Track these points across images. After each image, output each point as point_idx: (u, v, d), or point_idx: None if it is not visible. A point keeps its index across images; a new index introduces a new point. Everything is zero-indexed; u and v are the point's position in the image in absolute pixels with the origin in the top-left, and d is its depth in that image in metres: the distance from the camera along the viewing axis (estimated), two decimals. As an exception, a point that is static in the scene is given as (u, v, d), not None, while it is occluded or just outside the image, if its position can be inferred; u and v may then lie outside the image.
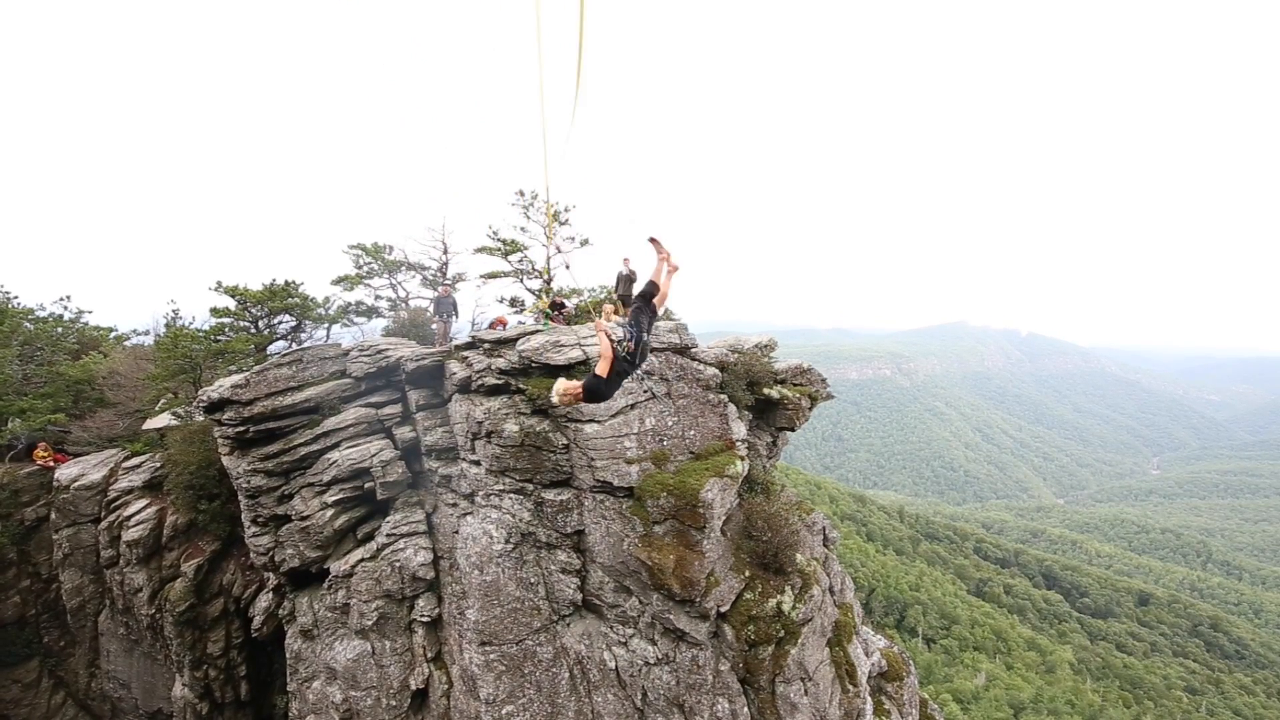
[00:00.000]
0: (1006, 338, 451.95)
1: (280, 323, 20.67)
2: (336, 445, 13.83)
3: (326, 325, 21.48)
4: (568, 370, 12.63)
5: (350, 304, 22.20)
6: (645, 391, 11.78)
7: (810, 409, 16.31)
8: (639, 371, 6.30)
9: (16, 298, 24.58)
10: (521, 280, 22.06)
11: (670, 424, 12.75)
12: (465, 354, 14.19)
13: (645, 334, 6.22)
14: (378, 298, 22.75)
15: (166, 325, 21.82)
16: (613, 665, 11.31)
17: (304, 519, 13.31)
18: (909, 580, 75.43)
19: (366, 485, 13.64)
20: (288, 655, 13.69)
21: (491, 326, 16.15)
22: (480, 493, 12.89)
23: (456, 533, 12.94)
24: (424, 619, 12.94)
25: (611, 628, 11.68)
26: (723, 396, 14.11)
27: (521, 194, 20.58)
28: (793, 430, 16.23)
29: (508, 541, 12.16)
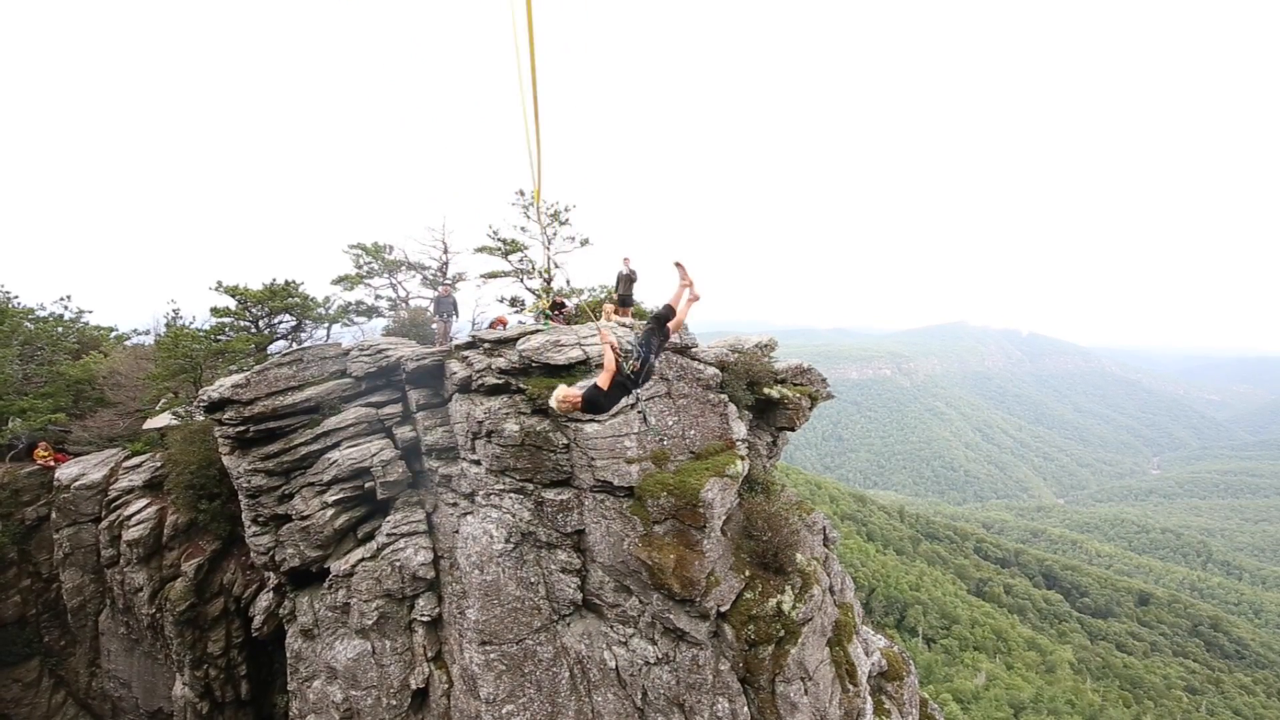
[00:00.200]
0: (1007, 337, 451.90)
1: (280, 322, 20.68)
2: (337, 445, 13.83)
3: (327, 325, 21.49)
4: (568, 370, 12.64)
5: (350, 304, 22.21)
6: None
7: (810, 409, 16.31)
8: (640, 391, 6.30)
9: (17, 297, 24.60)
10: (521, 280, 22.08)
11: (670, 423, 12.76)
12: (465, 354, 14.19)
13: (654, 356, 6.22)
14: (378, 297, 22.77)
15: (167, 325, 21.83)
16: (613, 665, 11.31)
17: (304, 518, 13.31)
18: (909, 580, 75.46)
19: (367, 485, 13.65)
20: (288, 654, 13.70)
21: (492, 326, 16.16)
22: (480, 492, 12.89)
23: (457, 532, 12.95)
24: (424, 618, 12.94)
25: (612, 627, 11.69)
26: (723, 396, 14.11)
27: (521, 194, 20.59)
28: (793, 430, 16.22)
29: (508, 541, 12.17)
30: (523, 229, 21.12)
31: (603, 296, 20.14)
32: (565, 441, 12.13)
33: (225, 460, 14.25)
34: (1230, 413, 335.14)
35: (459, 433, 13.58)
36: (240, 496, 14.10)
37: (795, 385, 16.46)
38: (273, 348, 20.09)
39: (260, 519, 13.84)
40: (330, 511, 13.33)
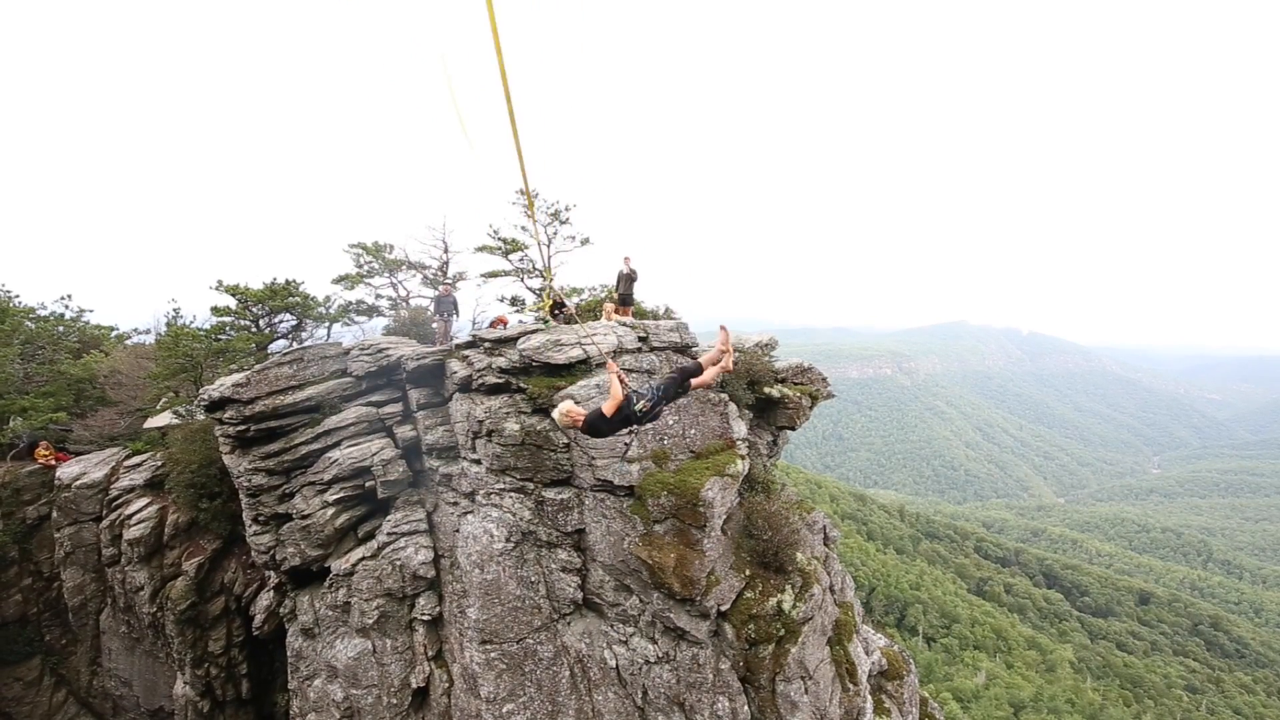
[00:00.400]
0: (1007, 336, 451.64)
1: (281, 321, 20.68)
2: (337, 444, 13.84)
3: (327, 324, 21.49)
4: (568, 369, 12.63)
5: (351, 303, 22.21)
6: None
7: (811, 408, 16.30)
8: (642, 427, 6.44)
9: (18, 297, 24.64)
10: (522, 279, 22.08)
11: (671, 423, 12.75)
12: (466, 353, 14.18)
13: (663, 405, 6.40)
14: (378, 297, 22.76)
15: (167, 324, 21.86)
16: (613, 664, 11.32)
17: (305, 517, 13.32)
18: (909, 579, 75.48)
19: (367, 484, 13.66)
20: (289, 653, 13.72)
21: (492, 325, 16.15)
22: (481, 491, 12.90)
23: (457, 531, 12.96)
24: (425, 617, 12.95)
25: (612, 626, 11.69)
26: (723, 395, 14.11)
27: (522, 193, 20.58)
28: (793, 429, 16.22)
29: (508, 540, 12.17)
30: (523, 228, 21.12)
31: (603, 295, 20.13)
32: (565, 441, 12.12)
33: (226, 459, 14.26)
34: (1231, 412, 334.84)
35: (459, 432, 13.58)
36: (241, 495, 14.11)
37: (796, 384, 16.46)
38: (273, 347, 20.10)
39: (261, 518, 13.85)
40: (331, 510, 13.34)
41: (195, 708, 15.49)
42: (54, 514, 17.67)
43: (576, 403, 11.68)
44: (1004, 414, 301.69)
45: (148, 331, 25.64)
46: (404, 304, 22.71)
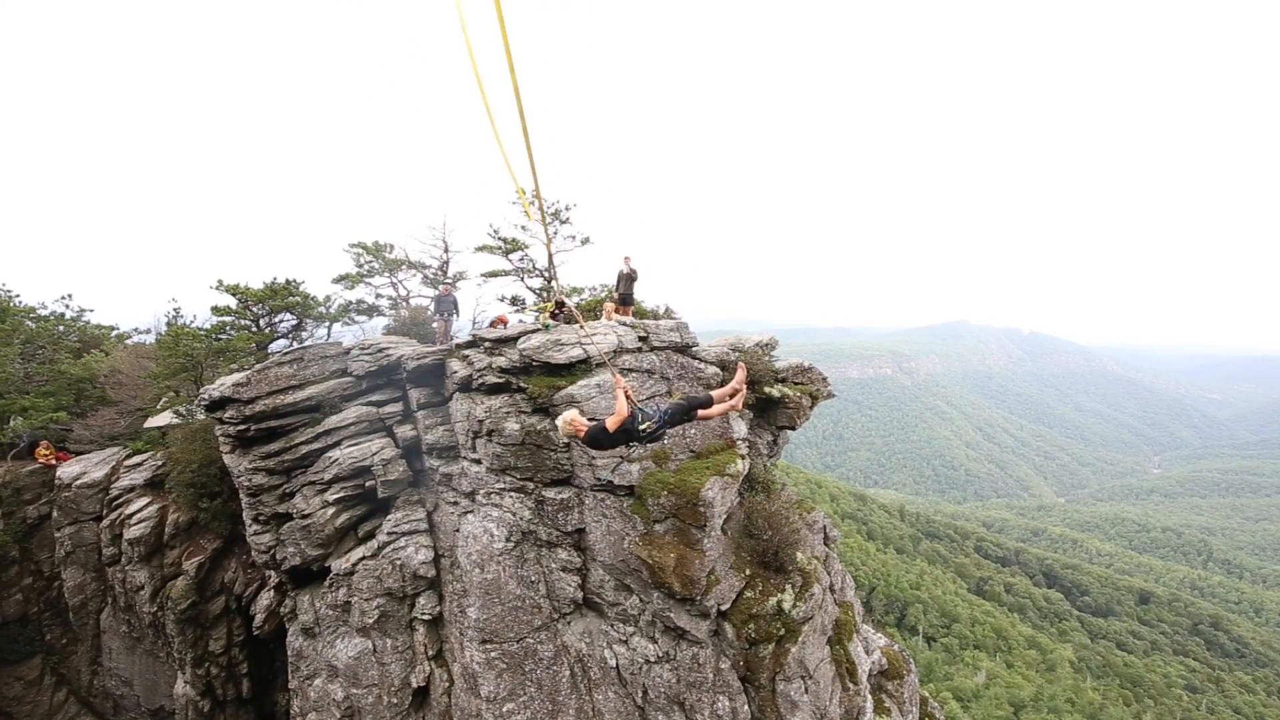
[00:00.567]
0: (1008, 336, 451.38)
1: (281, 321, 20.69)
2: (338, 444, 13.84)
3: (327, 324, 21.49)
4: (568, 369, 12.63)
5: (351, 302, 22.21)
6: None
7: (811, 408, 16.30)
8: (642, 447, 6.49)
9: (18, 296, 24.67)
10: (522, 279, 22.07)
11: (671, 422, 12.75)
12: (466, 352, 14.18)
13: (666, 429, 6.45)
14: (378, 296, 22.76)
15: (168, 323, 21.87)
16: (613, 663, 11.32)
17: (305, 517, 13.33)
18: (909, 579, 75.48)
19: (367, 483, 13.66)
20: (289, 653, 13.73)
21: (492, 325, 16.15)
22: (481, 491, 12.90)
23: (457, 531, 12.96)
24: (425, 617, 12.96)
25: (612, 626, 11.70)
26: (723, 395, 14.10)
27: (522, 192, 20.55)
28: (793, 429, 16.22)
29: (508, 540, 12.18)
30: (523, 228, 21.12)
31: (603, 295, 20.13)
32: (565, 440, 12.12)
33: (226, 459, 14.26)
34: (1232, 412, 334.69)
35: (459, 431, 13.58)
36: (241, 495, 14.12)
37: (796, 384, 16.46)
38: (273, 346, 20.10)
39: (261, 517, 13.86)
40: (331, 510, 13.35)
41: (196, 707, 15.50)
42: (54, 513, 17.69)
43: (577, 402, 11.72)
44: (1004, 414, 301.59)
45: (148, 331, 25.65)
46: (404, 303, 22.71)
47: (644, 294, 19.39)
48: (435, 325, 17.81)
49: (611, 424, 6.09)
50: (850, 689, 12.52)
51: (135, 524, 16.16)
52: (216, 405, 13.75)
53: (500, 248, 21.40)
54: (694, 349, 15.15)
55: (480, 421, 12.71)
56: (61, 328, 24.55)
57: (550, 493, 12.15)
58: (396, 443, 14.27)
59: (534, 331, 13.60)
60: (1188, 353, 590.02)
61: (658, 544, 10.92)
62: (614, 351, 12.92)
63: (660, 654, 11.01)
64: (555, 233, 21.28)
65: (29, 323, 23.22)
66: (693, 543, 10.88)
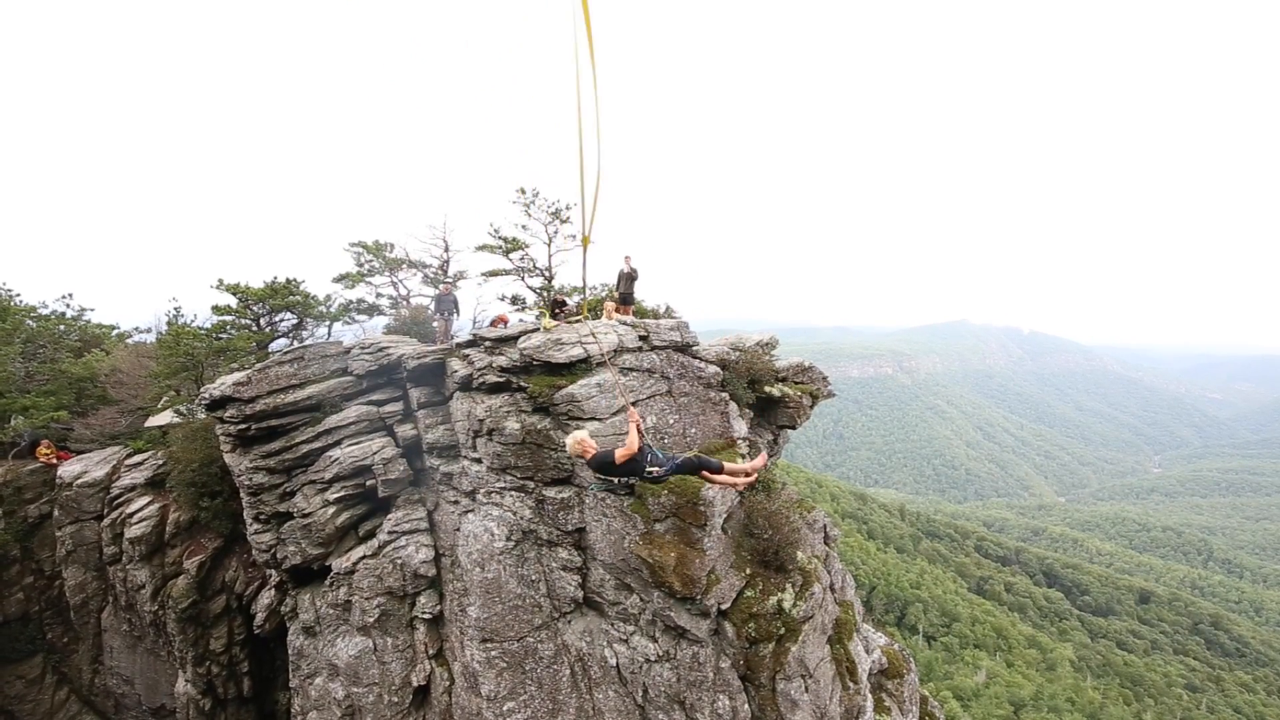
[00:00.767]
0: (1008, 335, 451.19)
1: (282, 320, 20.71)
2: (338, 443, 13.85)
3: (328, 323, 21.51)
4: (568, 368, 12.63)
5: (351, 302, 22.22)
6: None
7: (811, 407, 16.30)
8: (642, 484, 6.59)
9: (19, 295, 24.67)
10: (523, 278, 22.07)
11: (672, 421, 12.76)
12: (466, 352, 14.19)
13: (671, 476, 6.59)
14: (379, 295, 22.77)
15: (168, 323, 21.87)
16: (614, 662, 11.33)
17: (306, 516, 13.34)
18: (910, 578, 75.52)
19: (368, 483, 13.67)
20: (290, 652, 13.75)
21: (492, 324, 16.15)
22: (481, 490, 12.91)
23: (458, 530, 12.97)
24: (425, 616, 12.97)
25: (612, 625, 11.71)
26: (724, 394, 14.11)
27: (523, 191, 20.57)
28: (794, 428, 16.22)
29: (509, 539, 12.19)
30: (524, 227, 21.10)
31: (604, 295, 20.13)
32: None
33: (227, 458, 14.28)
34: (1232, 411, 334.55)
35: (460, 431, 13.59)
36: (242, 494, 14.13)
37: (796, 383, 16.46)
38: (274, 345, 20.12)
39: (262, 516, 13.87)
40: (332, 509, 13.36)
41: (197, 706, 15.53)
42: (55, 512, 17.71)
43: (577, 401, 11.72)
44: (1005, 413, 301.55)
45: (149, 330, 25.68)
46: (404, 303, 22.72)
47: (644, 293, 19.39)
48: (435, 324, 17.81)
49: (620, 456, 6.15)
50: (850, 688, 12.53)
51: (136, 523, 16.19)
52: (217, 404, 13.76)
53: (501, 247, 21.39)
54: (694, 348, 15.15)
55: (481, 420, 12.72)
56: (62, 327, 24.56)
57: (550, 492, 12.16)
58: (397, 442, 14.28)
59: (534, 331, 13.60)
60: (1188, 352, 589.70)
61: (658, 543, 10.93)
62: (614, 351, 12.92)
63: (660, 653, 11.02)
64: (555, 232, 21.27)
65: (30, 322, 23.23)
66: (693, 542, 10.89)
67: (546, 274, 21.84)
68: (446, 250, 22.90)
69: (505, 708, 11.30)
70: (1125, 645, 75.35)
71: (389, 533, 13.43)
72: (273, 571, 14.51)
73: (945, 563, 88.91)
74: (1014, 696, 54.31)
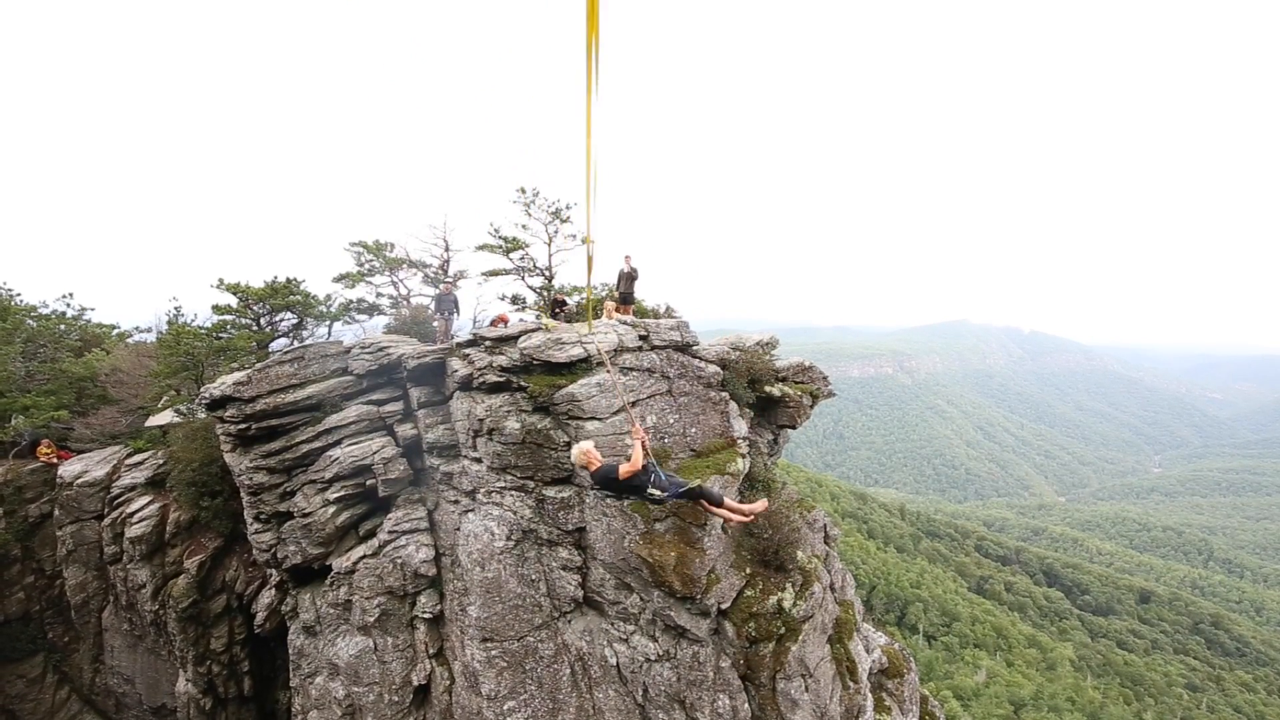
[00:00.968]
0: (1009, 335, 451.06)
1: (282, 320, 20.71)
2: (338, 442, 13.86)
3: (328, 322, 21.51)
4: (569, 368, 12.63)
5: (352, 301, 22.22)
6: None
7: (811, 407, 16.30)
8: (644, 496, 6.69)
9: (19, 295, 24.70)
10: (523, 278, 22.07)
11: (672, 421, 12.76)
12: (466, 351, 14.18)
13: (671, 501, 6.65)
14: (379, 295, 22.76)
15: (169, 322, 21.88)
16: (614, 662, 11.34)
17: (306, 516, 13.35)
18: (910, 577, 75.51)
19: (368, 482, 13.68)
20: (290, 651, 13.76)
21: (493, 324, 16.16)
22: (481, 490, 12.91)
23: (458, 529, 12.97)
24: (426, 615, 12.98)
25: (613, 624, 11.71)
26: (724, 394, 14.10)
27: (523, 191, 20.57)
28: (794, 428, 16.22)
29: (509, 538, 12.19)
30: (524, 226, 21.10)
31: (604, 294, 20.13)
32: (566, 439, 12.12)
33: (227, 457, 14.29)
34: (1232, 411, 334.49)
35: (460, 430, 13.59)
36: (242, 494, 14.14)
37: (796, 383, 16.46)
38: (274, 345, 20.12)
39: (262, 516, 13.88)
40: (332, 509, 13.37)
41: (197, 705, 15.55)
42: (56, 512, 17.73)
43: (577, 400, 11.72)
44: (1005, 413, 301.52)
45: (149, 330, 25.69)
46: (405, 302, 22.72)
47: (644, 293, 19.39)
48: (436, 324, 17.81)
49: (624, 471, 6.20)
50: (850, 687, 12.53)
51: (137, 522, 16.20)
52: (217, 404, 13.77)
53: (501, 246, 21.38)
54: (694, 348, 15.15)
55: (481, 420, 12.72)
56: (63, 326, 24.58)
57: (551, 491, 12.16)
58: (397, 441, 14.29)
59: (534, 330, 13.60)
60: (1188, 352, 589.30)
61: (658, 543, 10.93)
62: (614, 350, 12.92)
63: (661, 652, 11.03)
64: (555, 232, 21.26)
65: (30, 321, 23.25)
66: (693, 541, 10.89)
67: (547, 274, 21.83)
68: (447, 250, 22.90)
69: (505, 707, 11.31)
70: (1125, 645, 75.36)
71: (389, 532, 13.43)
72: (273, 571, 14.52)
73: (945, 562, 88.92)
74: (1014, 696, 54.31)
